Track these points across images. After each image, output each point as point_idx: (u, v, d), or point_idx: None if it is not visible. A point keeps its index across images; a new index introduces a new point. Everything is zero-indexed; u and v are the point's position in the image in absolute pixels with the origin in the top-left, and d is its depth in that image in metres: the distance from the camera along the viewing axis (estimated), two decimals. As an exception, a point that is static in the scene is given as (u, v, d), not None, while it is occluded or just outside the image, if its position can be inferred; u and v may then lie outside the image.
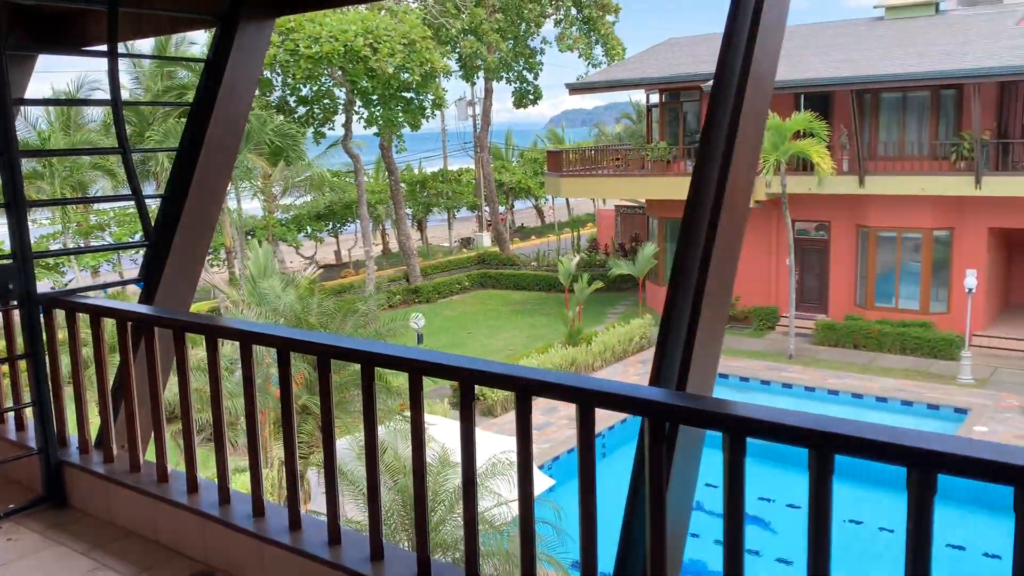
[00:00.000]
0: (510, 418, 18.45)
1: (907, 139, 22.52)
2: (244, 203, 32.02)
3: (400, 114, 25.68)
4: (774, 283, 25.43)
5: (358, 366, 2.62)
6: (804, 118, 21.08)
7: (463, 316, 29.35)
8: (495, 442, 10.55)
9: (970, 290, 19.74)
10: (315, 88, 26.35)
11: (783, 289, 25.05)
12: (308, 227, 35.99)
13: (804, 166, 22.42)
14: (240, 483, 7.19)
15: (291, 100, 27.39)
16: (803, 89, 22.94)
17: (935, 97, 22.02)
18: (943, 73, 20.11)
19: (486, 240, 43.61)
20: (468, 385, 2.35)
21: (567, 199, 47.06)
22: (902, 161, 22.22)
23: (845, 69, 22.16)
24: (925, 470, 1.60)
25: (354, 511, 8.11)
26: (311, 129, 27.86)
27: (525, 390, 2.23)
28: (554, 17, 34.93)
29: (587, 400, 2.14)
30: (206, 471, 3.37)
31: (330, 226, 38.31)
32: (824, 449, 1.73)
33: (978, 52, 20.84)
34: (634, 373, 21.40)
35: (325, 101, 27.21)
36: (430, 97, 26.13)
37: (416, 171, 45.74)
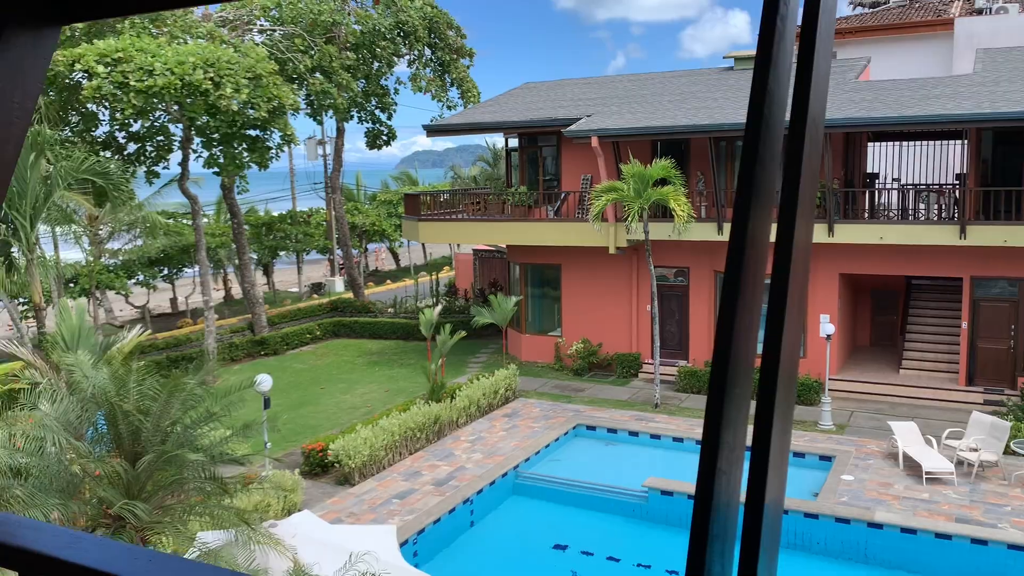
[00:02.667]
0: (370, 486, 16.90)
1: (761, 187, 22.91)
2: (67, 249, 28.88)
3: (245, 153, 23.75)
4: (635, 329, 25.22)
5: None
6: (665, 166, 20.99)
7: (315, 369, 27.44)
8: (356, 537, 9.07)
9: (828, 336, 20.04)
10: (147, 124, 24.00)
11: (644, 335, 24.87)
12: (140, 273, 32.98)
13: (663, 213, 22.35)
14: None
15: (120, 136, 24.89)
16: (662, 136, 22.99)
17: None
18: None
19: (339, 285, 41.76)
20: None
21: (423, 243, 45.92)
22: (757, 208, 22.54)
23: (703, 117, 22.35)
24: None
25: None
26: (143, 168, 25.39)
27: None
28: (407, 57, 34.01)
29: None
30: None
31: (165, 272, 35.36)
32: None
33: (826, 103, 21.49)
34: (500, 428, 20.35)
35: (159, 138, 24.89)
36: (278, 135, 24.35)
37: (262, 212, 43.32)
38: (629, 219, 21.25)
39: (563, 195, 25.92)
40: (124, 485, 6.90)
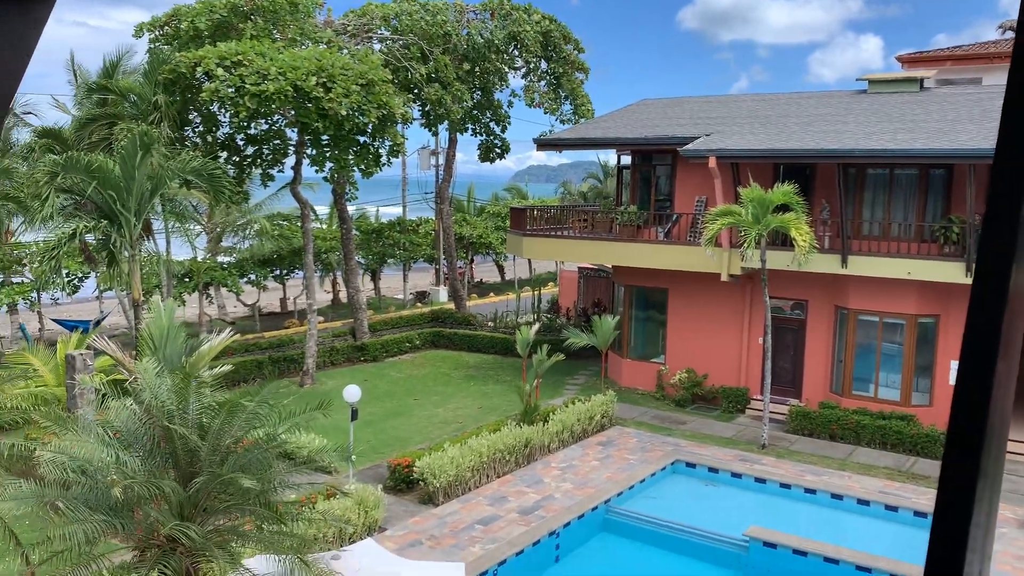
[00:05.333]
0: (453, 508, 16.30)
1: (893, 218, 21.22)
2: (183, 246, 29.74)
3: (351, 158, 23.69)
4: (745, 362, 23.81)
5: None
6: (787, 191, 19.62)
7: (411, 379, 27.19)
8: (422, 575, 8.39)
9: (960, 386, 18.20)
10: (264, 128, 24.32)
11: (754, 369, 23.44)
12: (252, 272, 33.70)
13: (783, 241, 20.97)
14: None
15: (239, 138, 25.35)
16: (786, 160, 21.61)
17: (924, 176, 20.80)
18: (937, 152, 18.86)
19: (442, 295, 41.71)
20: None
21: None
22: (887, 242, 20.86)
23: (831, 141, 20.87)
24: None
25: None
26: (259, 171, 25.79)
27: None
28: (522, 69, 33.52)
29: None
30: None
31: (276, 272, 36.06)
32: None
33: (971, 131, 19.71)
34: (593, 458, 19.41)
35: (275, 141, 25.22)
36: (387, 143, 24.22)
37: (373, 219, 43.81)
38: (745, 245, 20.00)
39: (675, 217, 24.81)
40: (177, 506, 6.47)
